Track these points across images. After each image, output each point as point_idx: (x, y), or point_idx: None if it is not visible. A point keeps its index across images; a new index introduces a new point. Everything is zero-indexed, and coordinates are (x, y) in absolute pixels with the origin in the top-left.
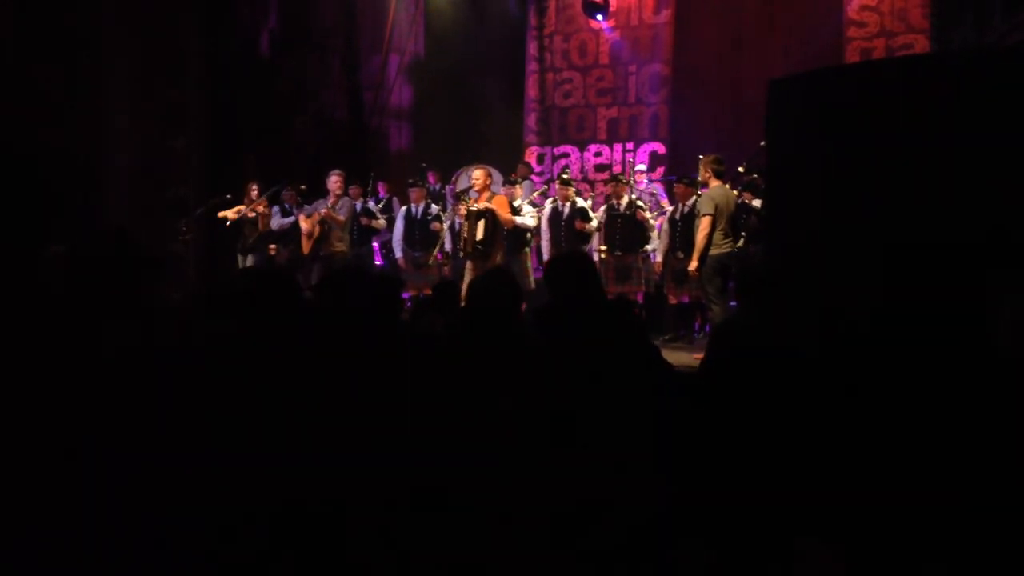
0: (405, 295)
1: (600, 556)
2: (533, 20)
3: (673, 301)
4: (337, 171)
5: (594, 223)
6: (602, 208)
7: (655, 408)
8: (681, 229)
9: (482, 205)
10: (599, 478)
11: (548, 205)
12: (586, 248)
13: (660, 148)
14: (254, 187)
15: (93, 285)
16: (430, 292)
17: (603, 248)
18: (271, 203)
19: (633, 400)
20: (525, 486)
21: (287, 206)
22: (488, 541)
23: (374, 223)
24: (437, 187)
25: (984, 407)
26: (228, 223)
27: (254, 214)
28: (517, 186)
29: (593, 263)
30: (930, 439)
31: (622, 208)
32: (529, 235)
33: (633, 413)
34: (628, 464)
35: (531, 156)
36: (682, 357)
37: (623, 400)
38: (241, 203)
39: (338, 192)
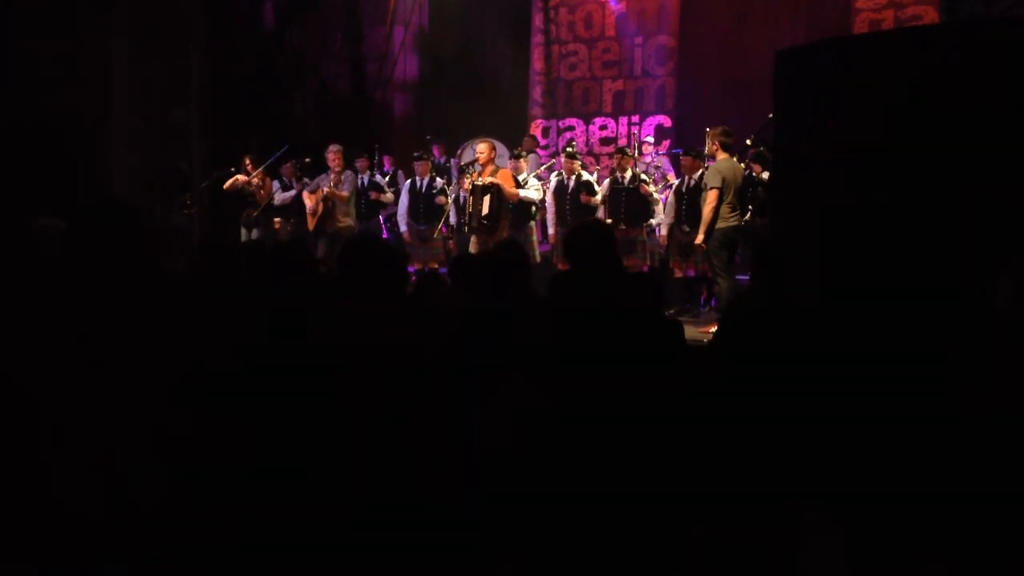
0: (410, 268)
1: (600, 526)
2: None
3: (679, 275)
4: (335, 145)
5: (599, 196)
6: (606, 182)
7: (666, 378)
8: (687, 202)
9: (487, 180)
10: (606, 446)
11: (553, 178)
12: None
13: (666, 121)
14: (248, 160)
15: (94, 259)
16: (435, 266)
17: (608, 221)
18: (270, 175)
19: (645, 369)
20: (531, 453)
21: (286, 180)
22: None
23: (382, 197)
24: (442, 160)
25: (987, 374)
26: (238, 185)
27: (251, 186)
28: (522, 159)
29: (613, 235)
30: (936, 411)
31: (626, 181)
32: (534, 208)
33: (645, 383)
34: (633, 432)
35: (536, 129)
36: (688, 331)
37: (635, 368)
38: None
39: (337, 167)
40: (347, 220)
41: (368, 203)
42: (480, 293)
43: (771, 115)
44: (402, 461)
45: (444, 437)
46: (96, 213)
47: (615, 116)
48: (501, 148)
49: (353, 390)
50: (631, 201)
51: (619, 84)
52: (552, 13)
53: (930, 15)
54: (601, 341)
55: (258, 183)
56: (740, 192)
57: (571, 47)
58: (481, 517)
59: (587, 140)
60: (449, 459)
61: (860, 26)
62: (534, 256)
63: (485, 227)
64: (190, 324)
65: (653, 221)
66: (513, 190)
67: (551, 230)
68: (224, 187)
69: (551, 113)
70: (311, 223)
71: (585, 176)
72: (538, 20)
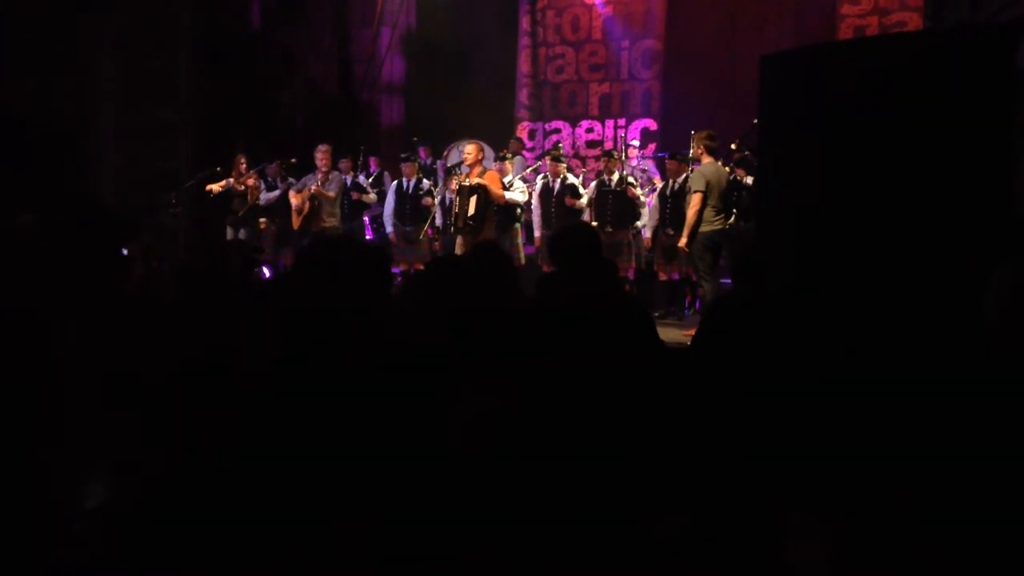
0: (395, 270)
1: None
2: None
3: (663, 278)
4: (324, 145)
5: (584, 199)
6: (593, 184)
7: (648, 380)
8: (671, 205)
9: (474, 181)
10: (590, 450)
11: (539, 181)
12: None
13: (652, 124)
14: (242, 160)
15: (63, 258)
16: (421, 267)
17: (594, 224)
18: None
19: (627, 372)
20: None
21: (271, 179)
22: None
23: (364, 198)
24: (428, 162)
25: (973, 376)
26: (212, 195)
27: (243, 187)
28: (508, 161)
29: (598, 236)
30: (923, 414)
31: (613, 184)
32: (519, 211)
33: (627, 385)
34: (618, 434)
35: (523, 131)
36: (672, 334)
37: (617, 371)
38: (230, 176)
39: (325, 167)
40: (332, 220)
41: (351, 204)
42: (458, 293)
43: (756, 120)
44: (381, 462)
45: (423, 437)
46: (68, 209)
47: (601, 119)
48: (488, 150)
49: (336, 390)
50: (618, 204)
51: (605, 87)
52: (539, 16)
53: (915, 21)
54: (580, 340)
55: (254, 183)
56: (724, 196)
57: (558, 50)
58: (458, 517)
59: (573, 143)
60: (426, 459)
61: (845, 32)
62: (519, 258)
63: (471, 228)
64: (173, 324)
65: (639, 223)
66: (499, 192)
67: (536, 232)
68: (214, 191)
69: (537, 115)
70: (296, 222)
71: (570, 179)
72: (525, 23)
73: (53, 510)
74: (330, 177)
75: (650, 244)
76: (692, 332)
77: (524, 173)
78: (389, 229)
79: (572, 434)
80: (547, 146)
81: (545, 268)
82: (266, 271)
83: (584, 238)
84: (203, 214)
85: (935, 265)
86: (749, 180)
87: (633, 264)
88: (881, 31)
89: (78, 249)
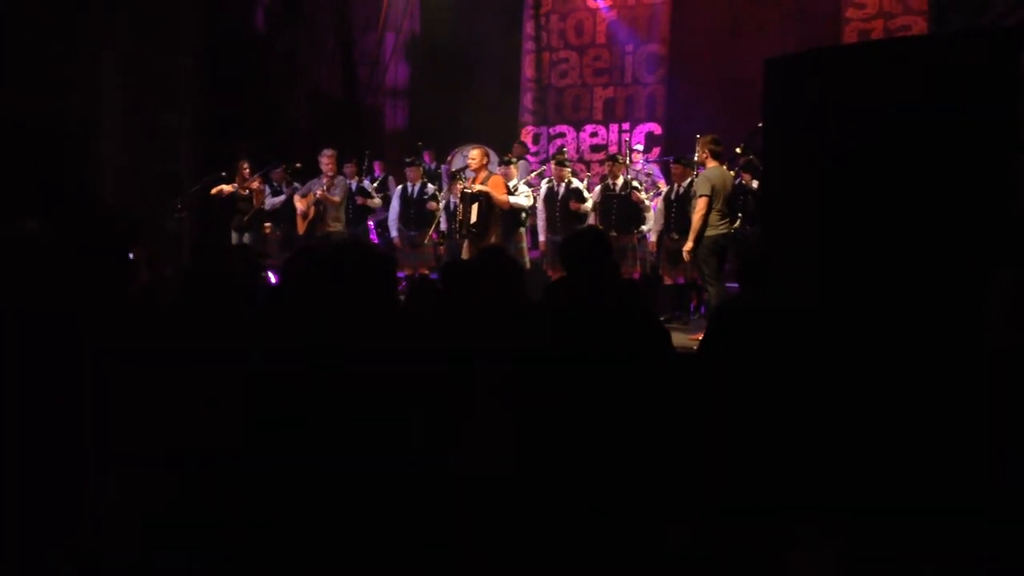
0: (400, 274)
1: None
2: None
3: (668, 282)
4: (329, 150)
5: (589, 203)
6: (597, 188)
7: (658, 385)
8: (676, 209)
9: (476, 188)
10: (600, 457)
11: (544, 185)
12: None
13: (656, 128)
14: (245, 165)
15: (74, 262)
16: (426, 271)
17: (599, 228)
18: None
19: (638, 376)
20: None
21: (276, 184)
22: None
23: (369, 202)
24: (433, 166)
25: (979, 392)
26: (223, 195)
27: (247, 192)
28: (512, 166)
29: (608, 242)
30: (926, 425)
31: (617, 188)
32: (524, 215)
33: (638, 389)
34: (628, 438)
35: (527, 136)
36: (678, 338)
37: (629, 375)
38: (233, 180)
39: (330, 172)
40: (337, 225)
41: (356, 208)
42: (472, 300)
43: (760, 124)
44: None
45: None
46: (71, 213)
47: (606, 123)
48: (492, 154)
49: (343, 400)
50: (622, 208)
51: (610, 91)
52: (543, 20)
53: (919, 25)
54: (592, 345)
55: (259, 187)
56: (730, 200)
57: (562, 54)
58: (469, 521)
59: (578, 147)
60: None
61: (849, 36)
62: (524, 263)
63: (474, 235)
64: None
65: (644, 228)
66: (504, 197)
67: (541, 237)
68: (225, 191)
69: (542, 120)
70: (301, 227)
71: (575, 183)
72: (529, 27)
73: (55, 512)
74: (335, 182)
75: (655, 248)
76: (698, 337)
77: (529, 177)
78: (394, 234)
79: (583, 439)
80: (551, 150)
81: (550, 272)
82: (271, 276)
83: (594, 243)
84: (208, 219)
85: (939, 267)
86: (754, 184)
87: (638, 268)
88: (886, 35)
89: (82, 253)
